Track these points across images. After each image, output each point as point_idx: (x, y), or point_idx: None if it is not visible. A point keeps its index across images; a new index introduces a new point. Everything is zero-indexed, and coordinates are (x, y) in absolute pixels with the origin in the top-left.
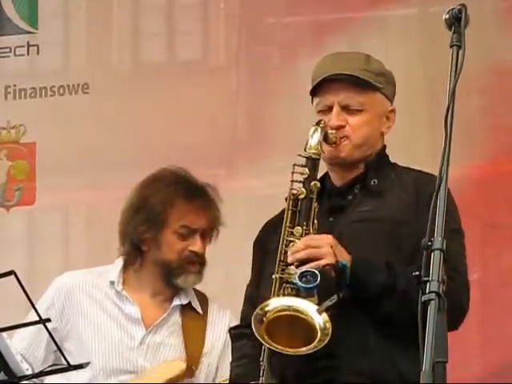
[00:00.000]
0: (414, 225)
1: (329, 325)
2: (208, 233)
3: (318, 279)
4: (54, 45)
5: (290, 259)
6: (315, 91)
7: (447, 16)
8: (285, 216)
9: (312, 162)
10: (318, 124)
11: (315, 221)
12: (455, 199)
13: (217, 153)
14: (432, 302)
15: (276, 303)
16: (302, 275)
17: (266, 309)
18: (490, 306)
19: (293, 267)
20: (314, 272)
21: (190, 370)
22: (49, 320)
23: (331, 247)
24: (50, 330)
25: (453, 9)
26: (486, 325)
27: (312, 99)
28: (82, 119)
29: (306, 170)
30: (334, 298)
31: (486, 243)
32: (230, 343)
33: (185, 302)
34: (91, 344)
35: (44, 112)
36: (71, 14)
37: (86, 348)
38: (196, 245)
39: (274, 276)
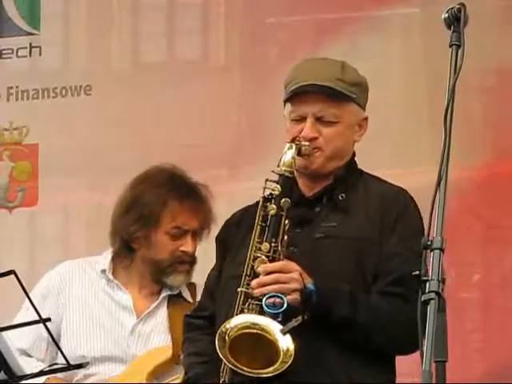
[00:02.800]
0: (376, 244)
1: (292, 347)
2: (199, 232)
3: (285, 305)
4: (56, 46)
5: (256, 292)
6: (288, 99)
7: (446, 15)
8: (254, 231)
9: (284, 179)
10: (292, 141)
11: (284, 237)
12: (457, 200)
13: (217, 153)
14: (432, 301)
15: (240, 319)
16: (268, 298)
17: (229, 325)
18: (491, 306)
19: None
20: (282, 297)
21: (177, 356)
22: (49, 319)
23: (300, 275)
24: (49, 329)
25: (452, 8)
26: (487, 325)
27: (284, 105)
28: (84, 120)
29: (278, 186)
30: (299, 319)
31: (488, 244)
32: (183, 331)
33: (175, 292)
34: (84, 331)
35: (46, 113)
36: (72, 14)
37: (77, 335)
38: (188, 245)
39: (239, 289)
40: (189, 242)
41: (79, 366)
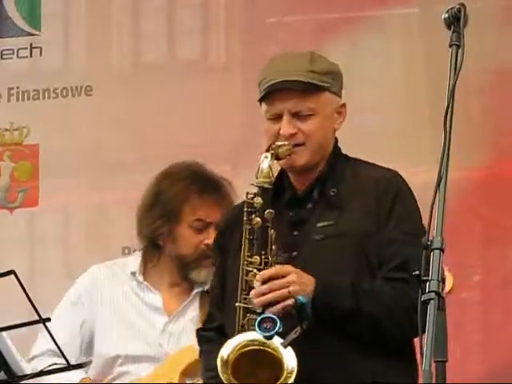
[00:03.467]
0: (375, 236)
1: (295, 359)
2: None
3: (278, 326)
4: (57, 46)
5: (255, 302)
6: (262, 98)
7: (446, 15)
8: (242, 245)
9: (264, 191)
10: (267, 150)
11: (273, 247)
12: (457, 200)
13: (217, 153)
14: (432, 301)
15: (237, 340)
16: (261, 322)
17: (227, 349)
18: (491, 306)
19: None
20: (274, 318)
21: None
22: (48, 319)
23: (295, 285)
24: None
25: (452, 8)
26: (488, 325)
27: (260, 104)
28: (84, 121)
29: (259, 199)
30: (298, 330)
31: (489, 244)
32: (198, 345)
33: (205, 287)
34: (116, 332)
35: (47, 114)
36: (72, 15)
37: (110, 337)
38: (211, 238)
39: (236, 304)
40: (212, 234)
41: (79, 366)
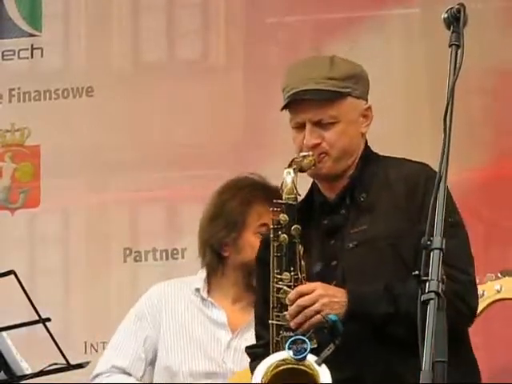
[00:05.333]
0: (409, 233)
1: (329, 376)
2: None
3: (308, 347)
4: (58, 47)
5: (292, 325)
6: (285, 107)
7: (446, 15)
8: (271, 263)
9: (289, 207)
10: (289, 166)
11: (302, 263)
12: (457, 201)
13: (218, 153)
14: (431, 301)
15: (270, 361)
16: (291, 343)
17: (262, 371)
18: (491, 307)
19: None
20: (304, 340)
21: None
22: (48, 319)
23: (324, 298)
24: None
25: (451, 8)
26: (488, 326)
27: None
28: (85, 122)
29: (285, 215)
30: (331, 346)
31: (489, 245)
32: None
33: None
34: (180, 349)
35: (48, 115)
36: (73, 16)
37: (174, 353)
38: None
39: (269, 322)
40: None
41: (79, 366)
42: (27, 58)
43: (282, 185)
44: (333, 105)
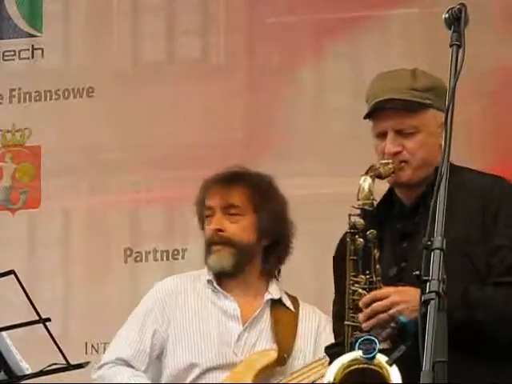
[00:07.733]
0: (482, 244)
1: (399, 376)
2: (230, 209)
3: (377, 347)
4: (59, 48)
5: (364, 327)
6: (368, 116)
7: (447, 15)
8: (347, 265)
9: (365, 213)
10: (366, 173)
11: (377, 267)
12: None
13: (218, 153)
14: (432, 301)
15: (341, 361)
16: (361, 343)
17: (333, 372)
18: None
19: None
20: (373, 340)
21: (282, 358)
22: (48, 319)
23: (397, 305)
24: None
25: (452, 8)
26: None
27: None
28: (86, 122)
29: (361, 220)
30: (402, 348)
31: None
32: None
33: (276, 296)
34: (192, 341)
35: (48, 115)
36: (73, 16)
37: (185, 345)
38: (216, 224)
39: (345, 322)
40: (215, 219)
41: (79, 366)
42: (28, 58)
43: (358, 190)
44: (415, 115)
